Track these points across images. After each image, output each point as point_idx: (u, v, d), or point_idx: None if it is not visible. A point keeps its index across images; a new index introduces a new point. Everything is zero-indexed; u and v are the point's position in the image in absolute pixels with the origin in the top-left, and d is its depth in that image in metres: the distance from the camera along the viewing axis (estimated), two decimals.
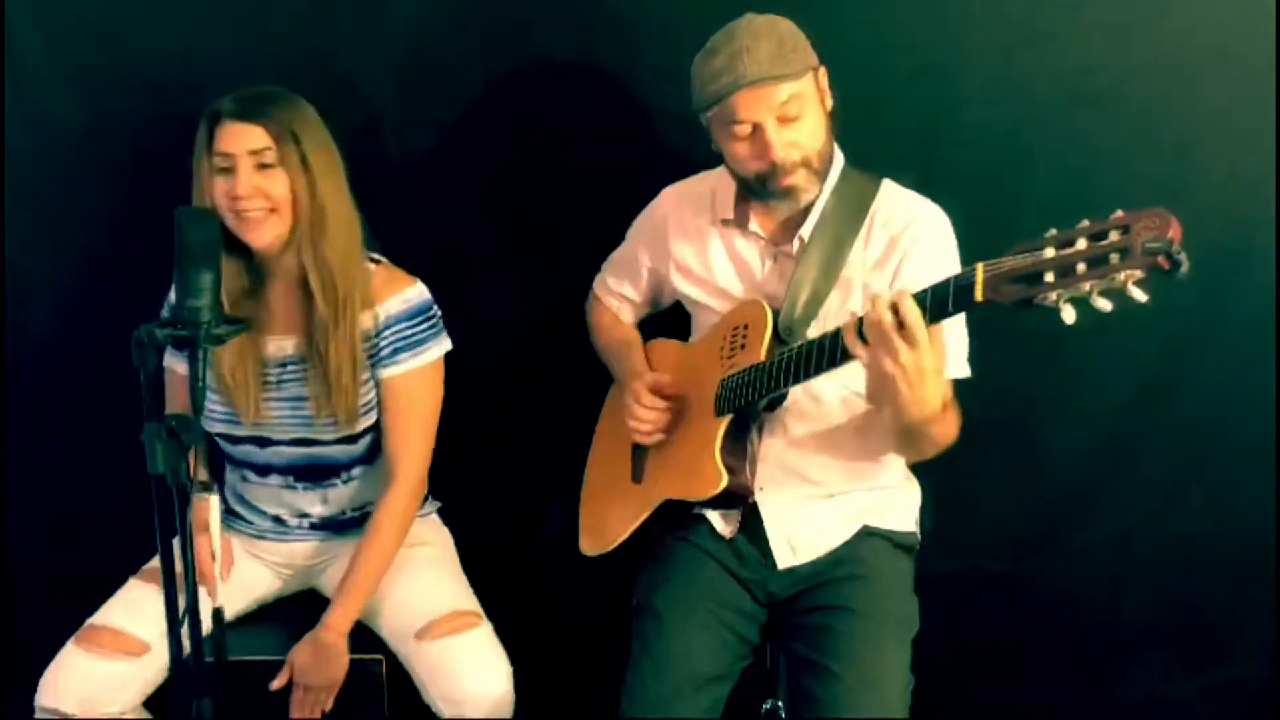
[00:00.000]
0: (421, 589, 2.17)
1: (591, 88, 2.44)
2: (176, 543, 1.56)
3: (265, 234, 1.99)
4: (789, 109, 1.88)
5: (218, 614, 1.82)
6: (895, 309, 1.59)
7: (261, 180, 1.96)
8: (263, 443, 2.16)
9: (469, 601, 2.18)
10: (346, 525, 2.27)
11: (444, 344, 2.16)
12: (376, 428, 2.17)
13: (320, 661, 2.05)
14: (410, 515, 2.18)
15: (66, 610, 2.07)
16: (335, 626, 2.07)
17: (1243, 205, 2.37)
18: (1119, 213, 1.37)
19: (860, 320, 1.66)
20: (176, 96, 2.38)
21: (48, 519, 2.62)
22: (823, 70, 1.96)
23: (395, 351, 2.10)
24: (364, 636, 2.14)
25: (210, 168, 1.97)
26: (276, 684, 2.06)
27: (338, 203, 2.02)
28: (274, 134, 1.96)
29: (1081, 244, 1.38)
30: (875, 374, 1.68)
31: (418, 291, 2.13)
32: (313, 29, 2.38)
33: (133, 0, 2.35)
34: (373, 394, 2.13)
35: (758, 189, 1.99)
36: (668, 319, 2.36)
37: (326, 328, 2.03)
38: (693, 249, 2.16)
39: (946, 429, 1.84)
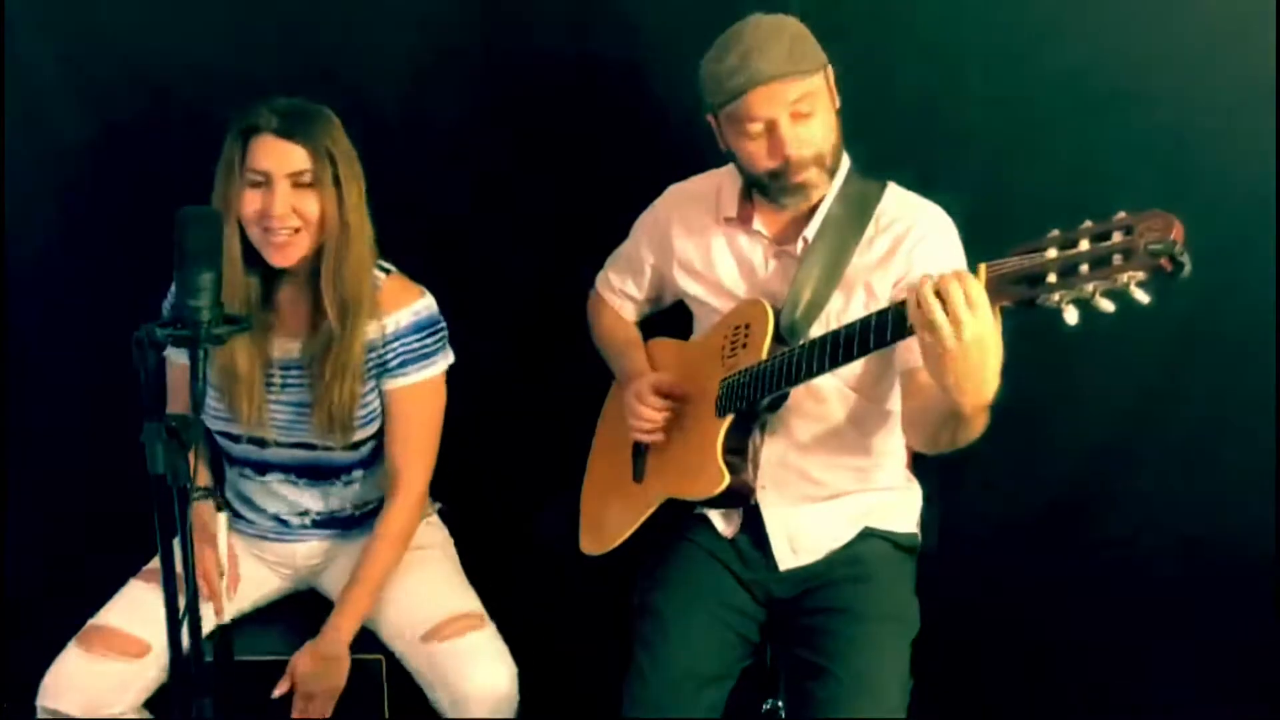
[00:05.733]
0: (424, 592, 2.17)
1: (591, 88, 2.44)
2: (177, 543, 1.55)
3: (291, 254, 1.98)
4: (802, 106, 1.88)
5: (224, 631, 1.82)
6: (938, 292, 1.51)
7: (296, 200, 1.95)
8: (263, 443, 2.16)
9: (472, 603, 2.18)
10: (348, 523, 2.27)
11: (449, 357, 2.17)
12: (378, 435, 2.18)
13: (322, 668, 2.05)
14: (413, 526, 2.19)
15: (67, 611, 2.07)
16: (338, 635, 2.07)
17: (1243, 205, 2.36)
18: (1121, 214, 1.37)
19: (900, 314, 1.62)
20: (176, 98, 2.40)
21: (48, 519, 2.62)
22: (830, 69, 1.96)
23: (403, 364, 2.10)
24: (364, 636, 2.13)
25: (241, 181, 1.95)
26: (278, 691, 2.06)
27: (360, 218, 2.02)
28: (313, 154, 1.95)
29: (1084, 245, 1.38)
30: (934, 360, 1.56)
31: (426, 304, 2.13)
32: (313, 30, 2.38)
33: (133, 3, 2.35)
34: (375, 404, 2.14)
35: (769, 187, 1.98)
36: (669, 318, 2.36)
37: (330, 340, 2.03)
38: (696, 247, 2.15)
39: (985, 419, 1.73)
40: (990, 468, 2.46)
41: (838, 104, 1.98)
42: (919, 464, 2.22)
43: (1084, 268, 1.37)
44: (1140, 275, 1.34)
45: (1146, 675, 2.61)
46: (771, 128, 1.90)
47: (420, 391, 2.14)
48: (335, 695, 2.06)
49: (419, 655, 2.09)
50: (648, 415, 2.09)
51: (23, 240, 2.48)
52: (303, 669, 2.05)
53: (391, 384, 2.12)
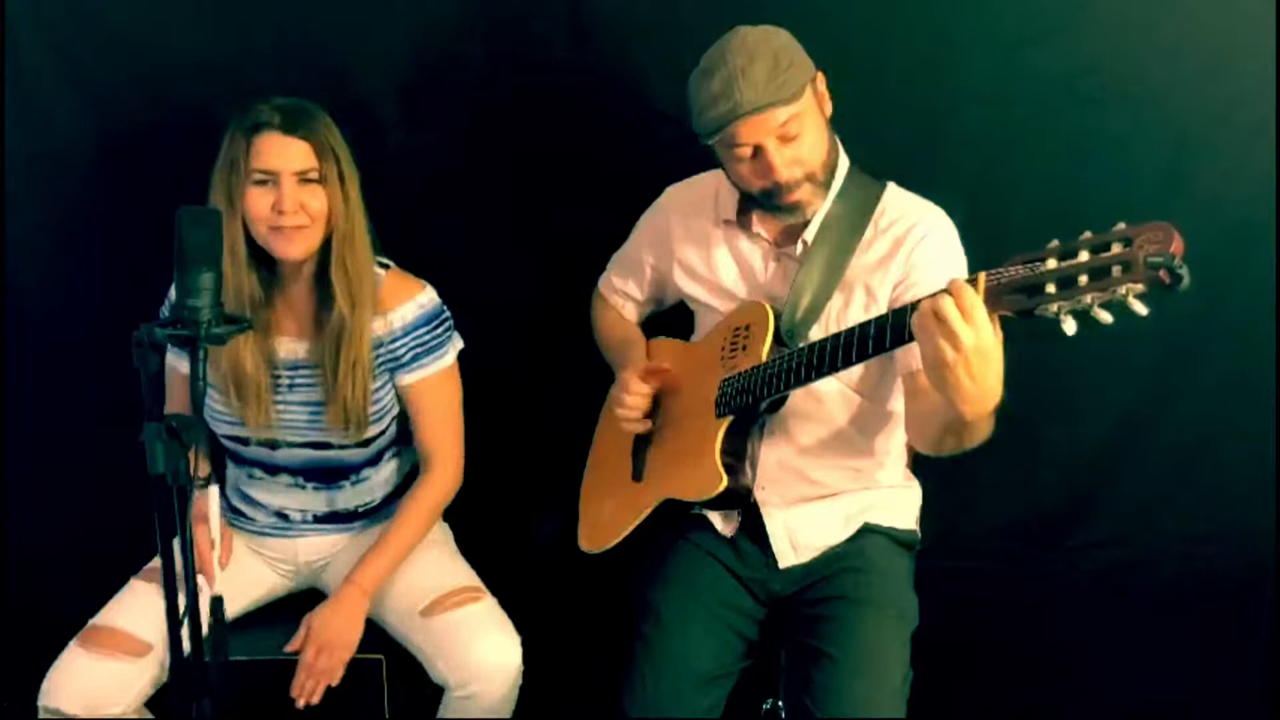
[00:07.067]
0: (424, 570, 2.19)
1: (592, 88, 2.44)
2: (177, 543, 1.56)
3: (299, 248, 1.99)
4: (789, 128, 1.86)
5: (217, 602, 1.80)
6: (934, 310, 1.51)
7: (303, 195, 1.97)
8: (274, 445, 2.17)
9: (471, 578, 2.20)
10: (349, 519, 2.28)
11: (458, 343, 2.20)
12: (387, 432, 2.19)
13: (339, 619, 2.07)
14: (446, 500, 2.25)
15: (68, 611, 2.07)
16: (360, 582, 2.10)
17: (1243, 205, 2.36)
18: (1121, 225, 1.37)
19: (900, 320, 1.63)
20: (177, 97, 2.39)
21: (48, 520, 2.62)
22: (820, 76, 1.94)
23: (416, 358, 2.12)
24: (364, 633, 2.13)
25: (246, 179, 1.96)
26: (291, 646, 2.07)
27: (361, 212, 2.04)
28: (318, 150, 1.96)
29: (1083, 256, 1.38)
30: (935, 371, 1.55)
31: (429, 296, 2.14)
32: (314, 30, 2.38)
33: (133, 3, 2.34)
34: (386, 399, 2.15)
35: (764, 204, 1.98)
36: (669, 318, 2.36)
37: (340, 336, 2.04)
38: (696, 249, 2.15)
39: (989, 425, 1.73)
40: (990, 468, 2.45)
41: (829, 111, 1.97)
42: (919, 464, 2.22)
43: (1083, 279, 1.37)
44: (1139, 287, 1.34)
45: (1146, 676, 2.62)
46: (760, 151, 1.89)
47: (437, 382, 2.16)
48: (344, 658, 2.07)
49: (419, 631, 2.11)
50: (632, 403, 2.10)
51: (23, 240, 2.48)
52: (319, 620, 2.07)
53: (407, 379, 2.14)
